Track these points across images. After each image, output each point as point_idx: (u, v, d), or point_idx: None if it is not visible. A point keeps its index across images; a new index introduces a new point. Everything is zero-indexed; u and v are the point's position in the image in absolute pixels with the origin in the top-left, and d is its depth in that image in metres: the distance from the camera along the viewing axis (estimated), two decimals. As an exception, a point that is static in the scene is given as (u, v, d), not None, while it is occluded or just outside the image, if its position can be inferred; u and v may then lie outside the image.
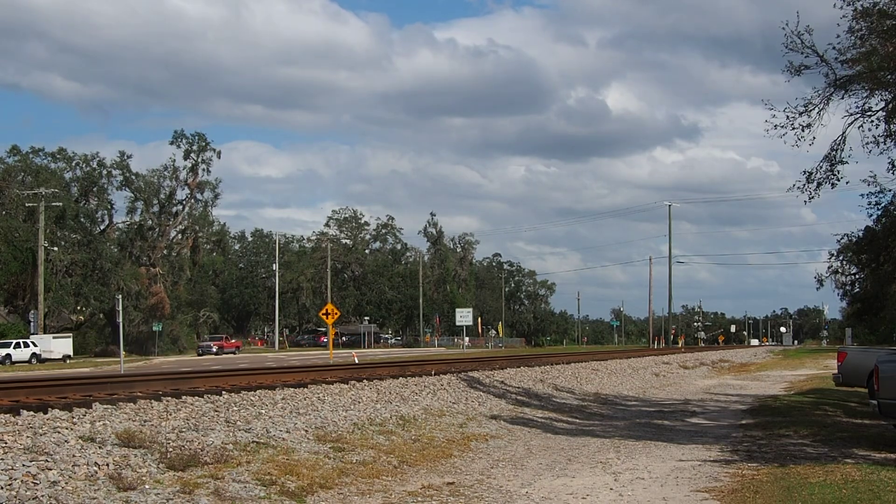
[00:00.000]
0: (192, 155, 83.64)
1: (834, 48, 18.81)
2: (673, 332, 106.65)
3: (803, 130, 19.43)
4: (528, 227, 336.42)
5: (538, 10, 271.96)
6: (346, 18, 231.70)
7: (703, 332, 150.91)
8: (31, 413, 10.73)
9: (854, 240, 29.33)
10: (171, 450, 10.12)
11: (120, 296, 46.36)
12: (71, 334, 63.35)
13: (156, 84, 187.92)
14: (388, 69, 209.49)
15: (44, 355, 54.06)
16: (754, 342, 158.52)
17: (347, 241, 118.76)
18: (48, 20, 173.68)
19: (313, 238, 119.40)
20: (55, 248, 66.59)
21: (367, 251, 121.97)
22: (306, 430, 12.92)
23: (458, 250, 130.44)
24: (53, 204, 63.16)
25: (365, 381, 18.71)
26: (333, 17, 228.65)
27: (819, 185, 20.29)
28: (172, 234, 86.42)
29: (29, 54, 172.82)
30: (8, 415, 10.51)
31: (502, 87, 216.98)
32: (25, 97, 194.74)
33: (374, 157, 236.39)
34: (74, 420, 10.74)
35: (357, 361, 33.41)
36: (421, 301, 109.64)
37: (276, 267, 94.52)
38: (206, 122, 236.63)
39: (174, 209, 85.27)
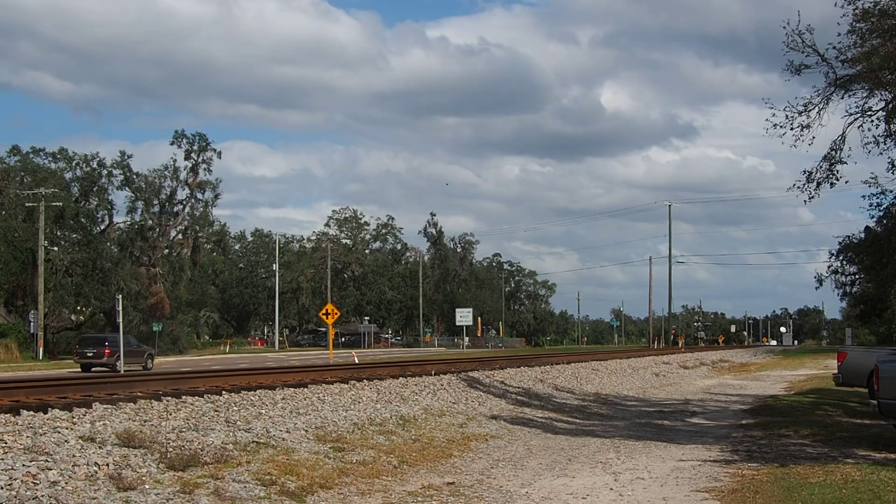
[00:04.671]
0: (192, 155, 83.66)
1: (834, 48, 18.84)
2: (673, 332, 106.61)
3: (802, 130, 19.46)
4: (525, 227, 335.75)
5: (529, 8, 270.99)
6: (337, 16, 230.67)
7: (703, 332, 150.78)
8: (31, 413, 10.72)
9: (855, 241, 29.33)
10: (171, 450, 10.12)
11: (120, 296, 46.30)
12: None
13: (148, 83, 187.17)
14: (381, 68, 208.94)
15: None
16: (772, 342, 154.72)
17: (347, 241, 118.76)
18: (39, 19, 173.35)
19: (313, 238, 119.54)
20: (55, 248, 66.52)
21: (367, 251, 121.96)
22: (306, 430, 12.91)
23: (459, 250, 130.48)
24: (53, 204, 63.10)
25: (365, 381, 18.71)
26: (324, 15, 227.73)
27: (819, 184, 20.35)
28: (173, 234, 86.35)
29: (20, 53, 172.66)
30: (8, 415, 10.51)
31: (495, 85, 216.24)
32: (17, 97, 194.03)
33: (369, 156, 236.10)
34: (74, 420, 10.73)
35: (357, 361, 33.41)
36: (421, 301, 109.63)
37: (276, 267, 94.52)
38: (199, 121, 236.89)
39: (175, 209, 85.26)
